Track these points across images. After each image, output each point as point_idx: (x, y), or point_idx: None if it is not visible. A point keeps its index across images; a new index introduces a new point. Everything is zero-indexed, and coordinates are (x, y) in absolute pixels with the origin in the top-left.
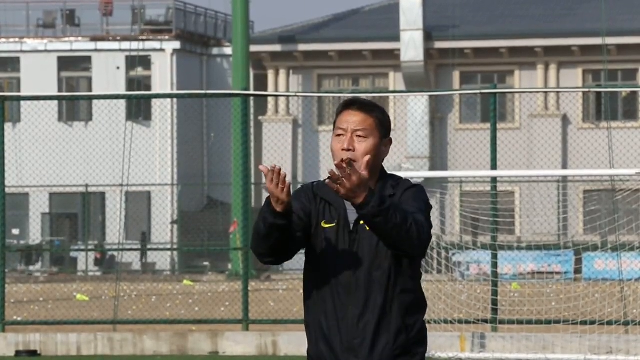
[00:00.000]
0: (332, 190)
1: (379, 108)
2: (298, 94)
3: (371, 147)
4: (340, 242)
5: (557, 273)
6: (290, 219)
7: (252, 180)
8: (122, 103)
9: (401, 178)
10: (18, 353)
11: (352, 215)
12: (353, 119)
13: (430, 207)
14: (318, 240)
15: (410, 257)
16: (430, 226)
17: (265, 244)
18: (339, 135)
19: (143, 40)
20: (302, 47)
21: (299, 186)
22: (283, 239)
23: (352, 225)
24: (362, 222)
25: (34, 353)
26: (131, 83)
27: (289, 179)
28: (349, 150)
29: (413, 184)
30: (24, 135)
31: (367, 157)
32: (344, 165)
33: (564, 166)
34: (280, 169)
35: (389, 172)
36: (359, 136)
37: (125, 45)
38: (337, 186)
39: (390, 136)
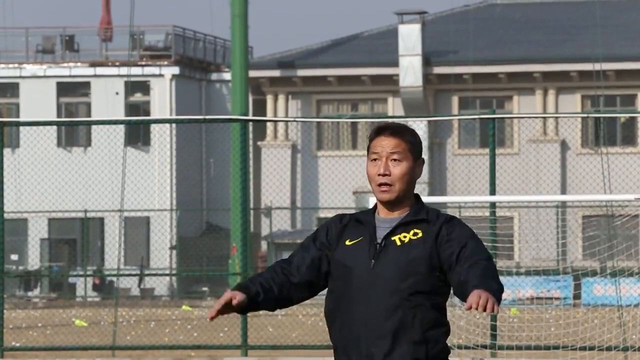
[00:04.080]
0: (368, 212)
1: (410, 130)
2: (297, 119)
3: (406, 170)
4: (364, 255)
5: (556, 298)
6: (257, 300)
7: (251, 206)
8: (121, 128)
9: (435, 210)
10: None
11: (382, 231)
12: (387, 144)
13: (478, 239)
14: (340, 257)
15: None
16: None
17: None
18: (374, 159)
19: (142, 65)
20: (301, 72)
21: (298, 213)
22: (274, 303)
23: (380, 239)
24: (392, 238)
25: None
26: (130, 108)
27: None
28: (385, 175)
29: (452, 216)
30: (22, 160)
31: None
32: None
33: (563, 191)
34: (224, 304)
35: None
36: (394, 159)
37: (124, 70)
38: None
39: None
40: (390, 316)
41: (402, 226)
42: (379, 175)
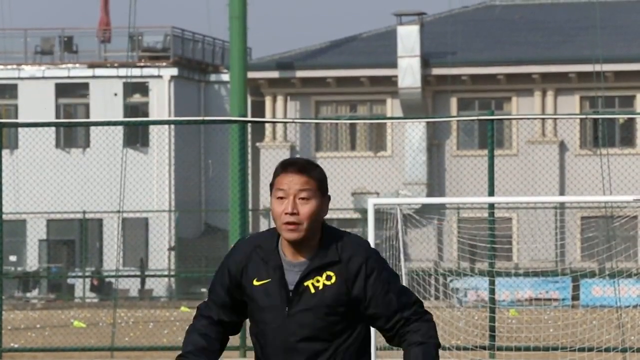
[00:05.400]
0: (270, 247)
1: (317, 167)
2: (295, 121)
3: (315, 209)
4: (276, 299)
5: (555, 299)
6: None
7: (250, 207)
8: (120, 129)
9: (344, 235)
10: None
11: (291, 275)
12: (294, 181)
13: (397, 275)
14: (251, 298)
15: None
16: (410, 292)
17: None
18: (280, 197)
19: (141, 66)
20: (300, 73)
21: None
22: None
23: (291, 285)
24: (305, 284)
25: None
26: (129, 109)
27: None
28: (293, 214)
29: (365, 251)
30: (21, 161)
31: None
32: None
33: (562, 192)
34: None
35: (329, 225)
36: (302, 198)
37: (123, 71)
38: None
39: (329, 193)
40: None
41: (314, 271)
42: (286, 213)
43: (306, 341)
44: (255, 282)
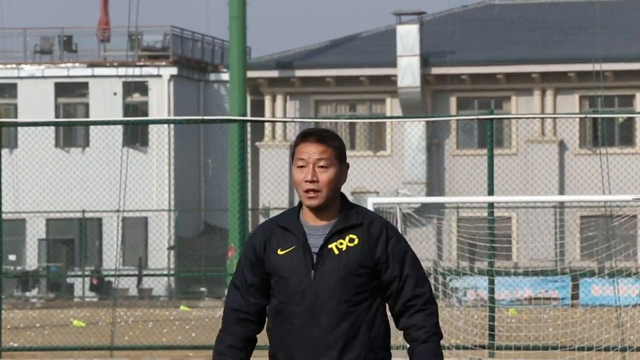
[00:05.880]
0: (292, 217)
1: (336, 136)
2: (295, 120)
3: (333, 176)
4: (301, 266)
5: (554, 299)
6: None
7: (249, 206)
8: (119, 129)
9: (364, 209)
10: None
11: (314, 239)
12: (313, 150)
13: (416, 259)
14: (274, 268)
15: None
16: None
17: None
18: (300, 166)
19: (140, 66)
20: (299, 72)
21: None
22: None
23: (314, 248)
24: (329, 246)
25: None
26: (128, 109)
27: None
28: (312, 181)
29: (383, 219)
30: (20, 161)
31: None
32: None
33: (561, 192)
34: None
35: (356, 202)
36: (321, 166)
37: (122, 71)
38: None
39: (347, 162)
40: (337, 326)
41: (337, 234)
42: (306, 181)
43: (331, 303)
44: (279, 252)
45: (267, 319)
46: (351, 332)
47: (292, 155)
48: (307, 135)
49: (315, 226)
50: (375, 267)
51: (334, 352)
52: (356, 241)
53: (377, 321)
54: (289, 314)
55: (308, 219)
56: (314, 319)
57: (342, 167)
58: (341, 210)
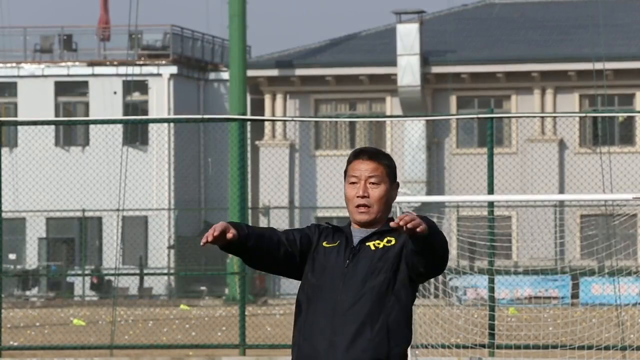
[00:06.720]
0: (343, 226)
1: (387, 155)
2: (295, 119)
3: (384, 193)
4: (340, 257)
5: (554, 298)
6: (235, 244)
7: (249, 205)
8: (119, 128)
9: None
10: None
11: (357, 239)
12: (365, 167)
13: None
14: (318, 256)
15: (431, 276)
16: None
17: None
18: (352, 182)
19: (140, 65)
20: (299, 71)
21: (296, 212)
22: (258, 253)
23: (355, 244)
24: (367, 244)
25: None
26: (128, 108)
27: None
28: (364, 197)
29: None
30: (20, 160)
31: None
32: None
33: (561, 191)
34: (214, 235)
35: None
36: (372, 183)
37: (122, 70)
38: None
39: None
40: (356, 307)
41: (377, 235)
42: (357, 197)
43: (357, 289)
44: (324, 244)
45: (295, 308)
46: (369, 317)
47: (345, 173)
48: (360, 153)
49: (360, 230)
50: (404, 268)
51: (349, 333)
52: (394, 242)
53: (398, 320)
54: (317, 297)
55: (355, 229)
56: (337, 298)
57: (392, 185)
58: (384, 225)
